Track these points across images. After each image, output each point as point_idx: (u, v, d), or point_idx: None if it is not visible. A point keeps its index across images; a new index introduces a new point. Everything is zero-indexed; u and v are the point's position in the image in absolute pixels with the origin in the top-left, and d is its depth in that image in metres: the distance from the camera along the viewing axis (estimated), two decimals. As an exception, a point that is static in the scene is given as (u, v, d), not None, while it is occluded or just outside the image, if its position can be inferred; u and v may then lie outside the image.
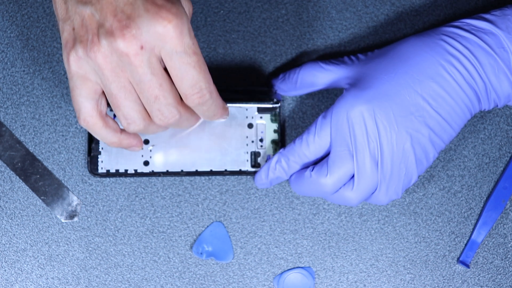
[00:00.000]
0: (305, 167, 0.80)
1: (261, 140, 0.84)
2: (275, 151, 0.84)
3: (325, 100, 0.86)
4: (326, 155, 0.79)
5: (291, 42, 0.86)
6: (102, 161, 0.83)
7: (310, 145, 0.78)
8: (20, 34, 0.85)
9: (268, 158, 0.83)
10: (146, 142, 0.83)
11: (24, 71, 0.85)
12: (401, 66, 0.77)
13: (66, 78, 0.85)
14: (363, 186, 0.76)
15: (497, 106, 0.79)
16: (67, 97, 0.85)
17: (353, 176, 0.77)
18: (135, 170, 0.83)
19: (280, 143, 0.84)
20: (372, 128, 0.75)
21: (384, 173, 0.76)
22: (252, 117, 0.84)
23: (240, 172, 0.84)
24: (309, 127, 0.79)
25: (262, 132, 0.84)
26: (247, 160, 0.84)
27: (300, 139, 0.79)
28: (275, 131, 0.84)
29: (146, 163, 0.83)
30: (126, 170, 0.83)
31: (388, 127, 0.75)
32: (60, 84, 0.85)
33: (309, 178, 0.78)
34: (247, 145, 0.84)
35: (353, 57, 0.82)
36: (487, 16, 0.79)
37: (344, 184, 0.77)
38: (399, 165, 0.76)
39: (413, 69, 0.76)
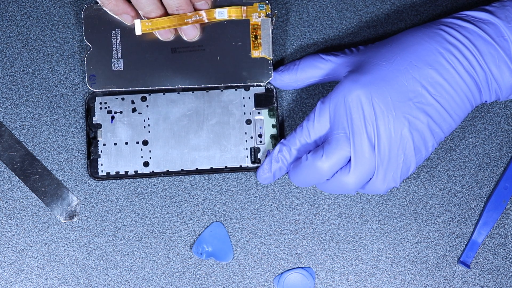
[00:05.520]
0: None
1: (260, 136, 0.84)
2: (275, 146, 0.84)
3: (325, 100, 0.86)
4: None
5: (291, 41, 0.86)
6: (102, 164, 0.83)
7: (310, 131, 0.79)
8: (19, 33, 0.85)
9: (268, 153, 0.83)
10: (145, 143, 0.83)
11: (23, 71, 0.85)
12: (399, 53, 0.77)
13: (66, 78, 0.85)
14: (361, 169, 0.76)
15: (499, 99, 0.79)
16: (66, 97, 0.85)
17: (349, 161, 0.77)
18: (136, 172, 0.83)
19: (279, 138, 0.84)
20: (369, 112, 0.75)
21: (381, 158, 0.76)
22: (250, 113, 0.84)
23: (240, 169, 0.84)
24: (309, 114, 0.79)
25: (260, 127, 0.84)
26: (247, 156, 0.84)
27: (300, 126, 0.79)
28: (273, 126, 0.84)
29: (146, 164, 0.83)
30: (126, 172, 0.83)
31: (386, 111, 0.75)
32: (59, 84, 0.85)
33: (305, 161, 0.78)
34: (246, 141, 0.84)
35: (353, 49, 0.82)
36: (486, 7, 0.79)
37: (341, 169, 0.77)
38: (397, 151, 0.76)
39: (412, 56, 0.77)
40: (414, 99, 0.76)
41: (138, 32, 0.81)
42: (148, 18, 0.81)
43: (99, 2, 0.81)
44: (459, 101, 0.77)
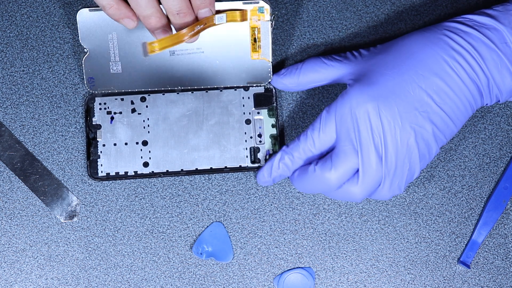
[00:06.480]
0: (308, 163, 0.80)
1: (259, 136, 0.84)
2: (274, 145, 0.84)
3: (325, 100, 0.85)
4: (330, 150, 0.79)
5: (291, 42, 0.86)
6: (101, 165, 0.83)
7: (315, 140, 0.78)
8: (19, 34, 0.85)
9: (267, 153, 0.83)
10: (145, 143, 0.83)
11: (23, 71, 0.85)
12: (405, 62, 0.77)
13: (66, 78, 0.85)
14: (368, 181, 0.76)
15: (499, 101, 0.79)
16: (66, 97, 0.85)
17: (357, 171, 0.77)
18: (135, 172, 0.83)
19: (278, 138, 0.84)
20: (376, 123, 0.75)
21: (388, 168, 0.76)
22: (250, 113, 0.84)
23: (240, 169, 0.84)
24: (314, 123, 0.79)
25: (260, 127, 0.84)
26: (247, 156, 0.84)
27: (304, 135, 0.79)
28: (273, 126, 0.84)
29: (145, 164, 0.83)
30: (126, 172, 0.83)
31: (393, 122, 0.75)
32: (59, 84, 0.85)
33: (313, 173, 0.78)
34: (246, 141, 0.84)
35: (355, 53, 0.82)
36: (489, 11, 0.79)
37: (348, 179, 0.77)
38: (403, 160, 0.76)
39: (418, 64, 0.77)
40: (420, 109, 0.76)
41: (145, 54, 0.82)
42: (147, 22, 0.79)
43: (100, 6, 0.79)
44: (462, 107, 0.77)
